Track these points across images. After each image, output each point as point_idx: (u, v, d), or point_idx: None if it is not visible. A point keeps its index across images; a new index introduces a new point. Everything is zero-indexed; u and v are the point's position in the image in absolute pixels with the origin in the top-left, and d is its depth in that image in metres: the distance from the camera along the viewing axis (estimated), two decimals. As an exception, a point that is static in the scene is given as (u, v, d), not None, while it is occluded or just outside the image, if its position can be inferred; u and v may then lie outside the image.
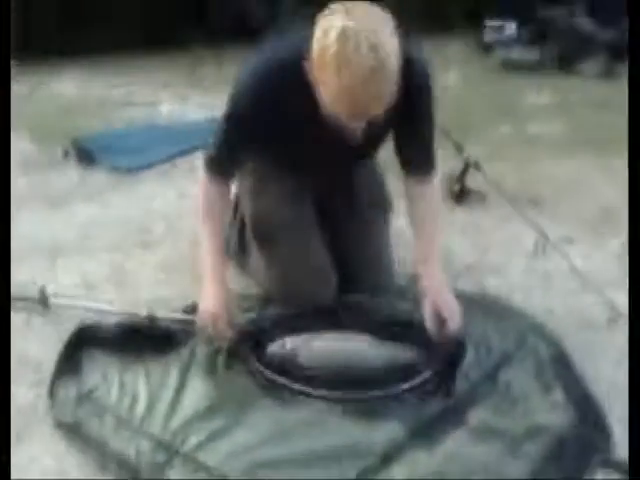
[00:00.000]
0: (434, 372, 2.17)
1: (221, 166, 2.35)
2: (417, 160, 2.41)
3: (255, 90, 2.19)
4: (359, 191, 2.65)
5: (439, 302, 2.27)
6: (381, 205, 2.74)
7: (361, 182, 2.65)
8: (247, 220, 2.64)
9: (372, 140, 2.30)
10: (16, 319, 2.55)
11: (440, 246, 2.45)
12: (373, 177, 2.65)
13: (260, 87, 2.18)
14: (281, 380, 2.15)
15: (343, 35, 1.88)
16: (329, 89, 1.97)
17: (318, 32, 1.94)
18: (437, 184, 2.48)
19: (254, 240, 2.62)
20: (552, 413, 2.05)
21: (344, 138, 2.14)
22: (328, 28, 1.92)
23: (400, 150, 2.41)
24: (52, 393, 2.18)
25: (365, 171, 2.64)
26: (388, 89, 1.96)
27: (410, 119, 2.28)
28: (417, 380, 2.14)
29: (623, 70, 7.11)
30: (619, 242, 3.24)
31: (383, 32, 1.92)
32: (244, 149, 2.35)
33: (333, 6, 1.96)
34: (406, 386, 2.11)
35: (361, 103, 1.96)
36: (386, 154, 2.53)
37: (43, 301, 2.67)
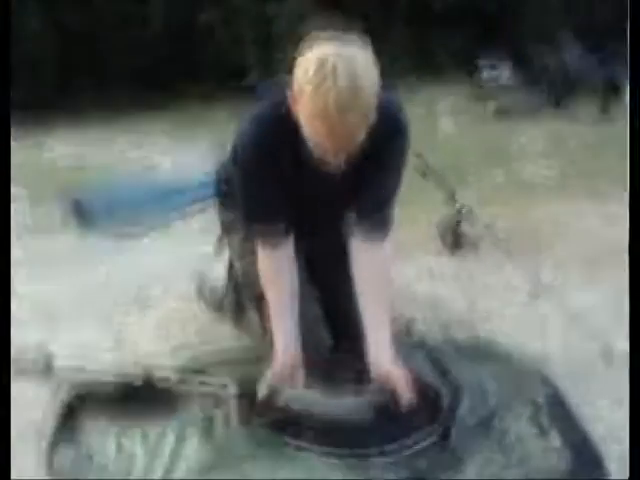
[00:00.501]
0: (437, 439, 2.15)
1: (263, 221, 2.30)
2: (371, 215, 2.29)
3: (254, 137, 2.20)
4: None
5: (383, 375, 2.25)
6: None
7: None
8: (239, 279, 2.64)
9: (352, 183, 2.22)
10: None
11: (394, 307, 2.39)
12: None
13: (258, 134, 2.19)
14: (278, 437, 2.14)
15: (320, 61, 1.90)
16: (306, 114, 1.97)
17: (298, 61, 1.96)
18: (388, 249, 2.35)
19: (248, 298, 2.62)
20: (549, 458, 2.05)
21: (332, 183, 2.15)
22: (307, 57, 1.94)
23: (355, 202, 2.31)
24: (49, 459, 2.17)
25: None
26: (364, 114, 1.95)
27: (373, 166, 2.21)
28: (419, 445, 2.12)
29: (618, 107, 7.12)
30: (615, 285, 3.23)
31: (361, 60, 1.93)
32: (270, 193, 2.26)
33: (314, 37, 1.97)
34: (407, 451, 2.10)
35: (337, 129, 1.93)
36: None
37: (48, 368, 2.66)
